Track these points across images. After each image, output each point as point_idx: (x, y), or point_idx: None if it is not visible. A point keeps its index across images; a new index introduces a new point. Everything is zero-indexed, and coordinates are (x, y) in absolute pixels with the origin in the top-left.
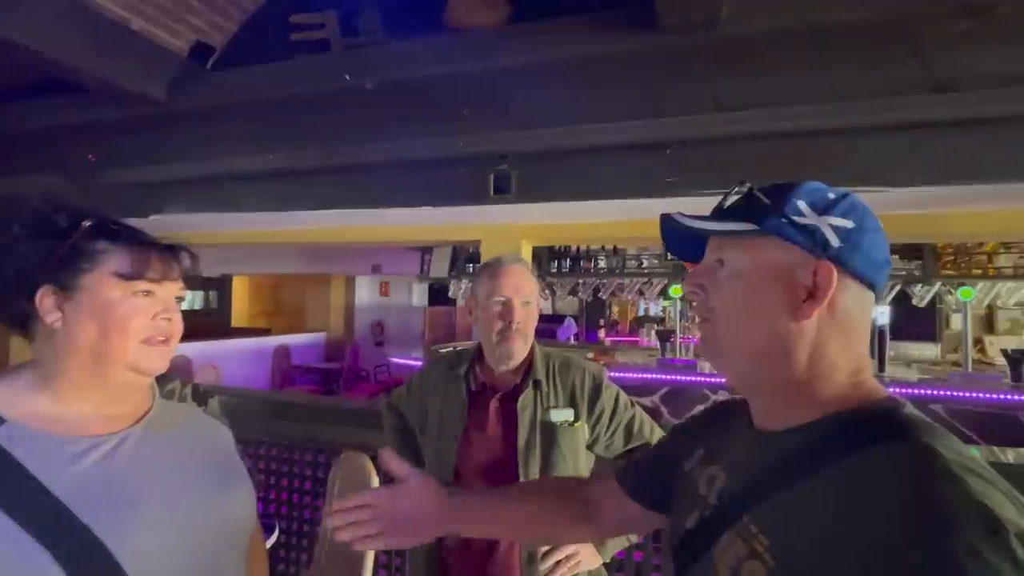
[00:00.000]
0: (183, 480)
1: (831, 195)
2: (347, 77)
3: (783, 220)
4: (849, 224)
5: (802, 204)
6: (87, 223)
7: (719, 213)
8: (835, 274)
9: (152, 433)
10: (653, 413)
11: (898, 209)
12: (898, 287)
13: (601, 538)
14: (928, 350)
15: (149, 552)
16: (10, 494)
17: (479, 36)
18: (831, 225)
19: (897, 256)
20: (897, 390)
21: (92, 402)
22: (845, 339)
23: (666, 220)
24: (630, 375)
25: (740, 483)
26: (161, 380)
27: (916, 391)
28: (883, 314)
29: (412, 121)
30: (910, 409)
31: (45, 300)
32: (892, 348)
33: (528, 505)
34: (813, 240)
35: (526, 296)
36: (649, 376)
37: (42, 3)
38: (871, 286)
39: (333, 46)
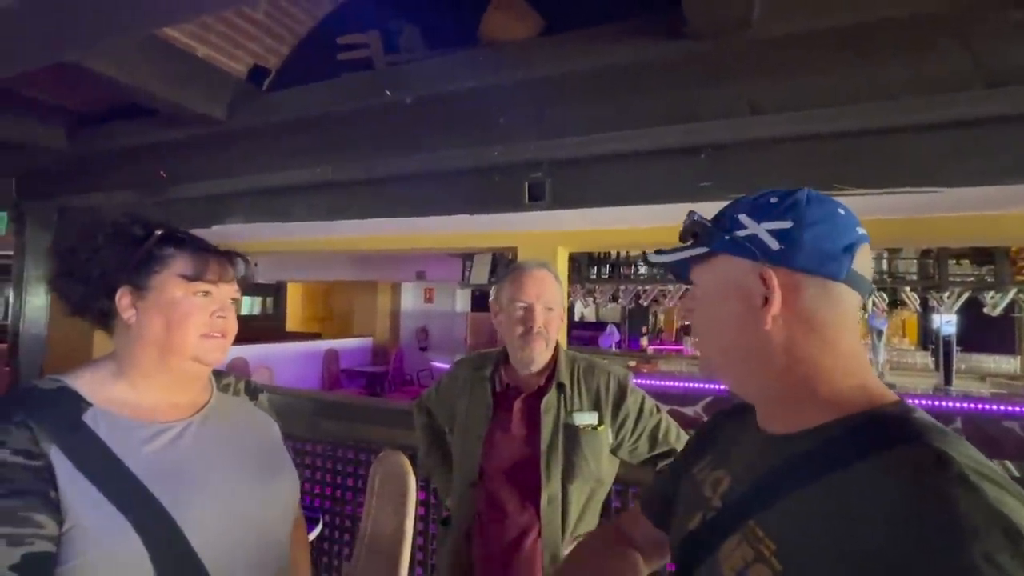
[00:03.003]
0: (236, 464)
1: (773, 200)
2: (388, 93)
3: (726, 237)
4: (786, 224)
5: (743, 217)
6: (159, 232)
7: (686, 242)
8: (775, 276)
9: (211, 422)
10: (696, 423)
11: (958, 210)
12: (967, 294)
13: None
14: (1006, 363)
15: (206, 524)
16: (97, 469)
17: (512, 49)
18: (768, 230)
19: (967, 261)
20: (963, 405)
21: (159, 389)
22: (818, 337)
23: (648, 260)
24: (672, 384)
25: (746, 486)
26: (218, 376)
27: (986, 407)
28: (948, 323)
29: (449, 133)
30: (921, 414)
31: (123, 299)
32: (963, 360)
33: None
34: (754, 249)
35: (548, 301)
36: (692, 385)
37: (123, 37)
38: (832, 277)
39: (376, 64)
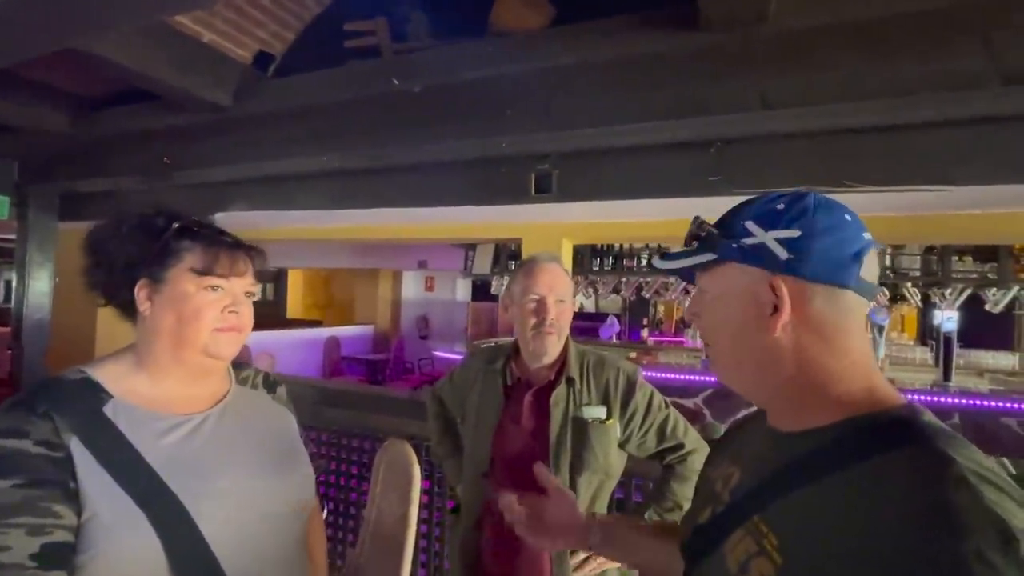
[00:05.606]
0: (252, 458)
1: (779, 206)
2: (396, 81)
3: (733, 245)
4: (795, 233)
5: (750, 224)
6: (176, 224)
7: (692, 248)
8: (784, 286)
9: (228, 415)
10: (695, 415)
11: (965, 208)
12: (969, 291)
13: None
14: (1004, 359)
15: (221, 518)
16: (116, 460)
17: (522, 39)
18: (776, 239)
19: (970, 258)
20: (962, 401)
21: (176, 382)
22: (827, 343)
23: (654, 267)
24: (672, 376)
25: (753, 482)
26: (237, 368)
27: (984, 403)
28: (949, 320)
29: (457, 122)
30: (929, 417)
31: (141, 291)
32: (962, 356)
33: (667, 543)
34: (762, 258)
35: (560, 294)
36: (692, 378)
37: (131, 23)
38: (841, 285)
39: (383, 52)
